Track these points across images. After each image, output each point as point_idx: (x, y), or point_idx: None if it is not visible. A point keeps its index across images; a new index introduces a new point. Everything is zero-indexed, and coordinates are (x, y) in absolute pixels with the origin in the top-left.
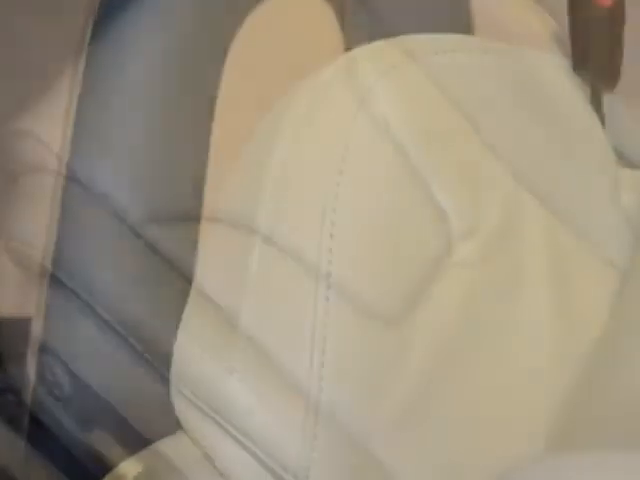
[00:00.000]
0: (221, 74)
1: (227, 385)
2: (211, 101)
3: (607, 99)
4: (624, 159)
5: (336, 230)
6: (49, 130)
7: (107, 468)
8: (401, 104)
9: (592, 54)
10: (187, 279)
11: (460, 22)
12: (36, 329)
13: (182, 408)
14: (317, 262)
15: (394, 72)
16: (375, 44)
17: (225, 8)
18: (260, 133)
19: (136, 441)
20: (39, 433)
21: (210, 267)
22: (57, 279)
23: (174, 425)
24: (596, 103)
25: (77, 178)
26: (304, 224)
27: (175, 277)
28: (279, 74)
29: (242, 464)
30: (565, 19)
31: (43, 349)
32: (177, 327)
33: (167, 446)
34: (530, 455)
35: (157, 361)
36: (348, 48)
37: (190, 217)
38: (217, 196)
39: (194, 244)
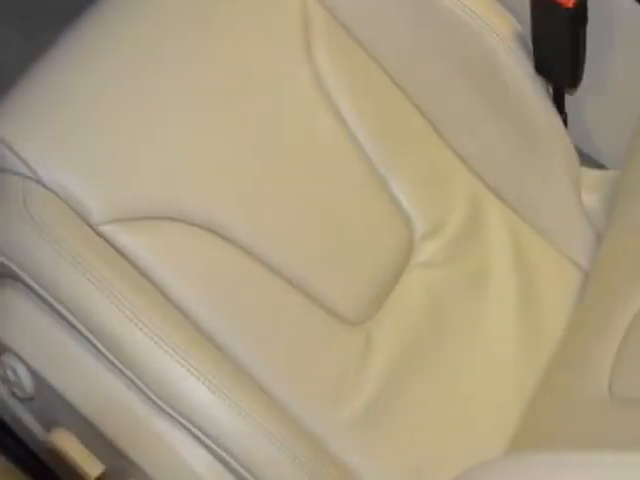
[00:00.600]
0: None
1: (188, 384)
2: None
3: (570, 99)
4: (587, 159)
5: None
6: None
7: (69, 467)
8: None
9: (554, 54)
10: (149, 278)
11: None
12: None
13: (144, 407)
14: (285, 265)
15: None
16: None
17: None
18: None
19: (98, 441)
20: (0, 432)
21: (173, 266)
22: (19, 279)
23: (136, 424)
24: (559, 103)
25: (39, 178)
26: None
27: (137, 276)
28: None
29: (204, 461)
30: (527, 19)
31: (4, 349)
32: (138, 327)
33: (128, 444)
34: (494, 454)
35: (119, 360)
36: None
37: (152, 216)
38: (179, 195)
39: (157, 243)
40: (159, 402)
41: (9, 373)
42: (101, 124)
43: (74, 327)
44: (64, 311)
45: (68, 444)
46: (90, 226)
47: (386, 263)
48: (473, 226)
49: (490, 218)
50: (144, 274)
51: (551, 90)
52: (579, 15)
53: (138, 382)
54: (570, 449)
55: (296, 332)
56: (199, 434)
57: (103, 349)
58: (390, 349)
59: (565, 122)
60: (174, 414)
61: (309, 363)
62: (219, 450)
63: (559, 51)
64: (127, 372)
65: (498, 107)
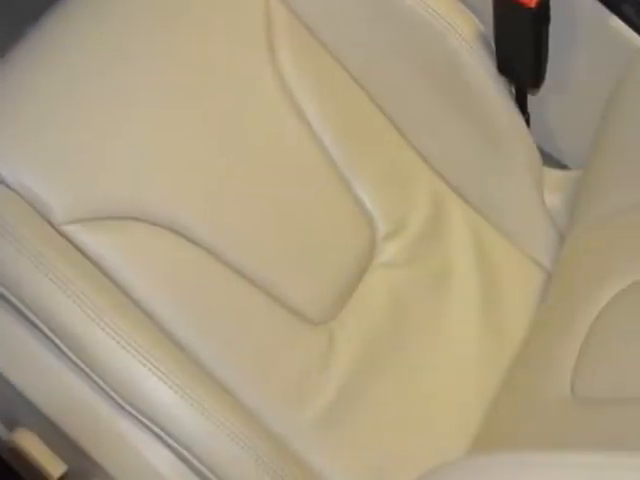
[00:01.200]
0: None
1: (150, 384)
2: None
3: (532, 99)
4: (549, 159)
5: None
6: None
7: (32, 467)
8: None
9: (517, 54)
10: (112, 278)
11: None
12: None
13: (107, 407)
14: (248, 265)
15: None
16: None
17: None
18: None
19: (61, 441)
20: None
21: (136, 267)
22: None
23: (99, 424)
24: (521, 103)
25: (1, 178)
26: None
27: (100, 276)
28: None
29: (167, 461)
30: (490, 19)
31: None
32: (101, 327)
33: (90, 444)
34: (457, 454)
35: (82, 360)
36: None
37: (116, 216)
38: (143, 195)
39: (120, 243)
40: (122, 402)
41: None
42: (65, 123)
43: (36, 326)
44: (26, 310)
45: (30, 444)
46: (53, 226)
47: (349, 263)
48: (435, 226)
49: (452, 218)
50: (107, 274)
51: (514, 90)
52: (541, 15)
53: (100, 382)
54: (532, 449)
55: (259, 332)
56: (162, 434)
57: (65, 349)
58: (352, 349)
59: (527, 122)
60: (136, 414)
61: (272, 363)
62: (182, 450)
63: (522, 51)
64: (89, 372)
65: (460, 107)
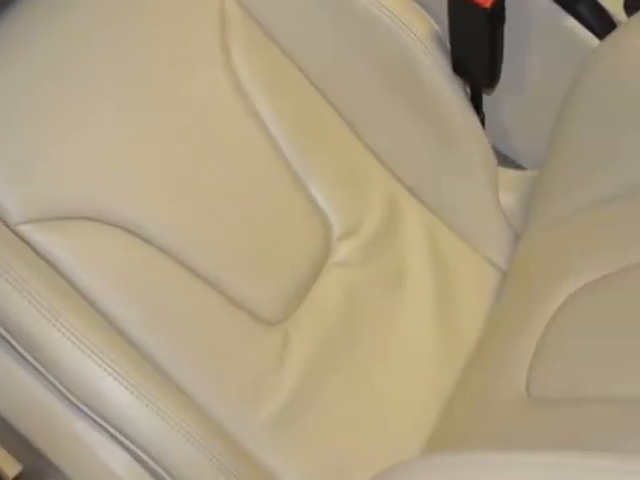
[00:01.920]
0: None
1: (105, 384)
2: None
3: (487, 99)
4: (504, 159)
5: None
6: None
7: None
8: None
9: (472, 54)
10: (67, 278)
11: None
12: None
13: (63, 408)
14: (202, 265)
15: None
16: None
17: None
18: None
19: (16, 441)
20: None
21: (91, 267)
22: None
23: (55, 425)
24: (476, 103)
25: None
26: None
27: (55, 276)
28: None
29: (123, 461)
30: (445, 19)
31: None
32: (56, 327)
33: (46, 444)
34: (411, 453)
35: (37, 361)
36: None
37: (70, 216)
38: (97, 195)
39: (75, 244)
40: (77, 402)
41: None
42: (18, 124)
43: None
44: None
45: None
46: (8, 226)
47: (303, 263)
48: (390, 226)
49: (407, 218)
50: (62, 274)
51: (469, 90)
52: (496, 15)
53: (56, 382)
54: (487, 449)
55: (213, 332)
56: (117, 434)
57: (21, 349)
58: (307, 349)
59: (482, 122)
60: (92, 414)
61: (227, 363)
62: (137, 450)
63: (477, 51)
64: (45, 373)
65: (415, 107)
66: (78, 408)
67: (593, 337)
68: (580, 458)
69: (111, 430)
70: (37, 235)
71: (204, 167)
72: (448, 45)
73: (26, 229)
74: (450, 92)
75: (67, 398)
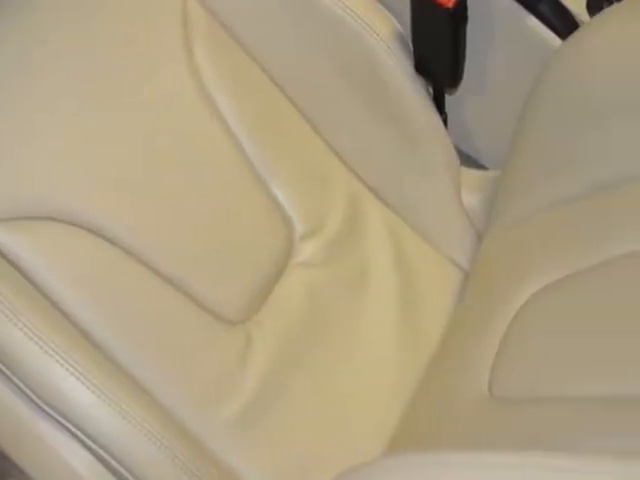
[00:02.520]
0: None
1: (68, 384)
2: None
3: (450, 99)
4: (466, 159)
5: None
6: None
7: None
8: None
9: (434, 54)
10: (30, 279)
11: None
12: None
13: (25, 408)
14: (165, 265)
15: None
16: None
17: None
18: None
19: None
20: None
21: (54, 267)
22: None
23: (17, 425)
24: (439, 103)
25: None
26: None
27: (17, 277)
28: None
29: (85, 462)
30: (408, 19)
31: None
32: (18, 327)
33: (8, 444)
34: (374, 454)
35: (3, 364)
36: None
37: (33, 216)
38: (60, 195)
39: (38, 244)
40: (40, 403)
41: None
42: None
43: None
44: None
45: None
46: None
47: (266, 263)
48: (353, 226)
49: (370, 218)
50: (25, 274)
51: (431, 90)
52: (459, 15)
53: (19, 383)
54: (449, 449)
55: (176, 332)
56: (80, 434)
57: None
58: (270, 349)
59: (445, 122)
60: (55, 415)
61: (189, 363)
62: (100, 450)
63: (439, 51)
64: (7, 373)
65: (378, 107)
66: (41, 408)
67: (554, 337)
68: (541, 458)
69: (73, 430)
70: (0, 235)
71: (167, 167)
72: (411, 45)
73: None
74: (413, 92)
75: (30, 398)
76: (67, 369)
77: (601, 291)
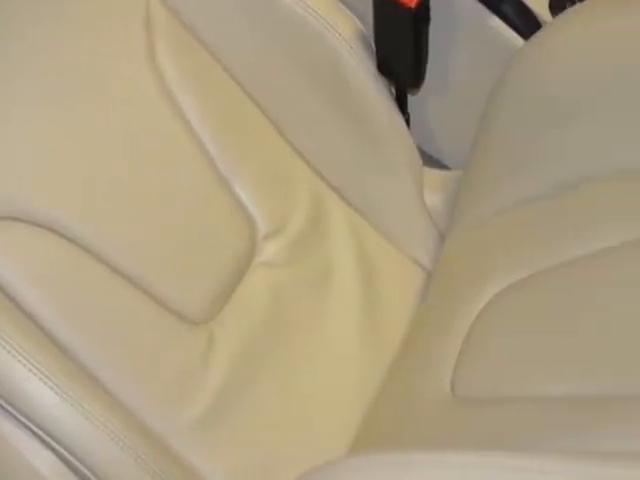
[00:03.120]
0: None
1: (30, 385)
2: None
3: (412, 99)
4: (429, 159)
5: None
6: None
7: None
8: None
9: (397, 54)
10: None
11: None
12: None
13: None
14: (127, 264)
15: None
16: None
17: None
18: None
19: None
20: None
21: (16, 267)
22: None
23: None
24: (401, 103)
25: None
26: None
27: None
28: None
29: (48, 462)
30: (370, 19)
31: None
32: None
33: None
34: (337, 454)
35: None
36: None
37: None
38: (21, 195)
39: (0, 244)
40: (2, 403)
41: None
42: None
43: None
44: None
45: None
46: None
47: (228, 263)
48: (316, 226)
49: (333, 218)
50: None
51: (394, 90)
52: (421, 15)
53: None
54: (411, 449)
55: (137, 331)
56: (42, 435)
57: None
58: (232, 349)
59: (407, 122)
60: (17, 415)
61: (151, 363)
62: (62, 450)
63: (402, 51)
64: None
65: (340, 107)
66: (3, 408)
67: (517, 337)
68: (501, 458)
69: (36, 430)
70: None
71: (129, 166)
72: (373, 45)
73: None
74: (375, 92)
75: None
76: (30, 370)
77: (563, 291)
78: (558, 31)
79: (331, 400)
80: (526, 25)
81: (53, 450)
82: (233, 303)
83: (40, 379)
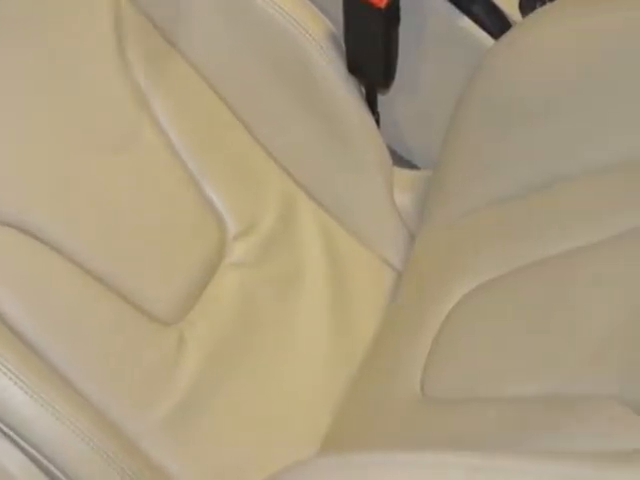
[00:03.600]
0: None
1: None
2: None
3: (382, 99)
4: (399, 159)
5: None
6: None
7: None
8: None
9: (367, 54)
10: None
11: None
12: None
13: None
14: (97, 264)
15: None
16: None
17: None
18: None
19: None
20: None
21: None
22: None
23: None
24: (371, 103)
25: None
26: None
27: None
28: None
29: (18, 462)
30: (340, 19)
31: None
32: None
33: None
34: (308, 454)
35: None
36: None
37: None
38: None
39: None
40: None
41: None
42: None
43: None
44: None
45: None
46: None
47: (198, 263)
48: (286, 226)
49: (303, 218)
50: None
51: (364, 90)
52: (392, 15)
53: None
54: (380, 449)
55: (106, 331)
56: (12, 434)
57: None
58: (203, 349)
59: (377, 122)
60: None
61: (121, 363)
62: (32, 450)
63: (372, 51)
64: None
65: (310, 106)
66: None
67: (486, 337)
68: (468, 458)
69: (5, 430)
70: None
71: (99, 166)
72: (343, 45)
73: None
74: (345, 92)
75: None
76: None
77: (533, 291)
78: (528, 31)
79: (302, 400)
80: (496, 25)
81: (23, 450)
82: (203, 303)
83: (10, 379)
